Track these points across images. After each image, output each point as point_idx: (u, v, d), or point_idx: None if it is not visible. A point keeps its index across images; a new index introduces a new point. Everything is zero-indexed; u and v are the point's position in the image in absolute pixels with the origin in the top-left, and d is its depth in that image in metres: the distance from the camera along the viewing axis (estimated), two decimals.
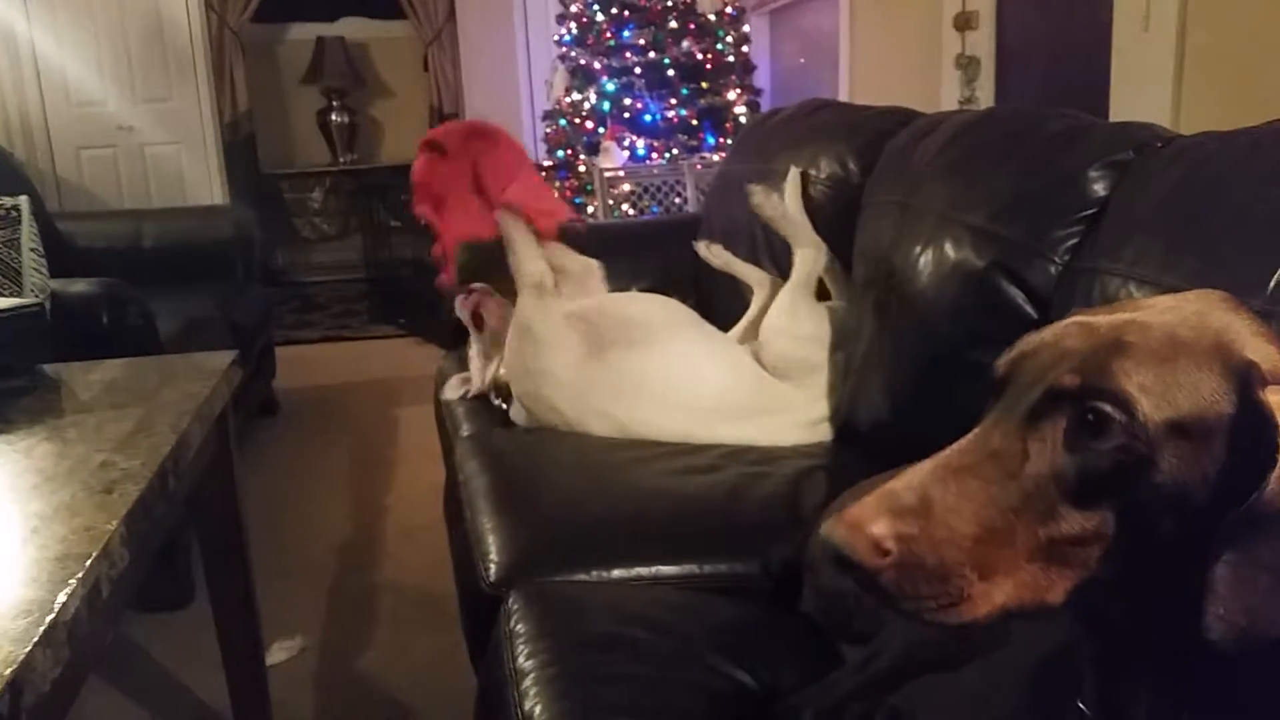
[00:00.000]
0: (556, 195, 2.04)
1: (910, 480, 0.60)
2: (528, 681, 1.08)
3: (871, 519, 0.58)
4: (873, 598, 0.60)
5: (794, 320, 1.86)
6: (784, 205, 1.99)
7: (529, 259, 1.89)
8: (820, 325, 1.86)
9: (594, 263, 2.12)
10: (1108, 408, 0.58)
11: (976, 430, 0.63)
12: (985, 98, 3.25)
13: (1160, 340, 0.59)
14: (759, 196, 2.02)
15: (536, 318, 1.86)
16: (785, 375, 1.83)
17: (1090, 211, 1.28)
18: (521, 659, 1.12)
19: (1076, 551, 0.59)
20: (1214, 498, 0.57)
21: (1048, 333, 0.65)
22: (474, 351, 2.16)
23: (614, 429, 1.79)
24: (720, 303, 2.24)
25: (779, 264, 2.05)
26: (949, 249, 1.46)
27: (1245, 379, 0.57)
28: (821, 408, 1.81)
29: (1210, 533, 0.56)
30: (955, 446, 0.62)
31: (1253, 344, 0.59)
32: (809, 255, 1.92)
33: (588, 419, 1.80)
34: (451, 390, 2.17)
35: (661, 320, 1.91)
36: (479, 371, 2.12)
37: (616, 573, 1.34)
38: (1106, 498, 0.58)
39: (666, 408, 1.79)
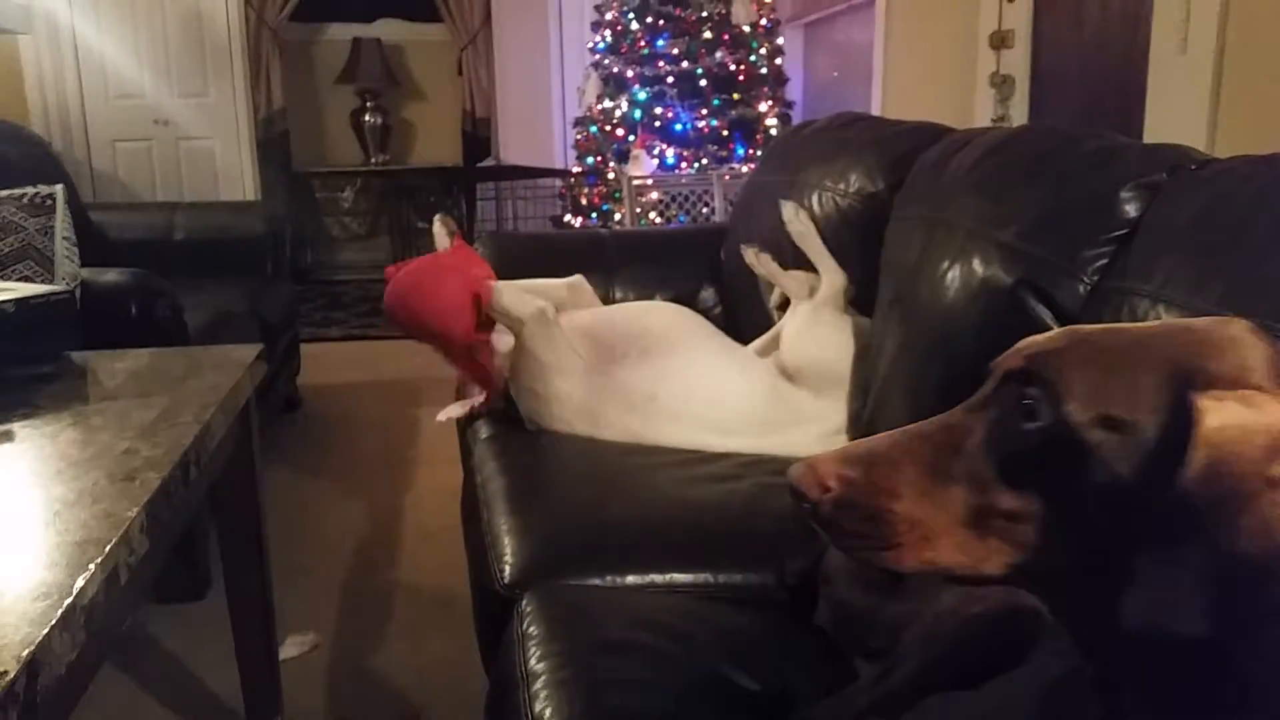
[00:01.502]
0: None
1: (874, 439, 0.68)
2: (539, 684, 1.08)
3: (824, 462, 0.67)
4: (818, 530, 0.68)
5: (817, 327, 1.86)
6: (812, 226, 1.99)
7: (520, 302, 1.89)
8: (843, 335, 1.85)
9: (576, 278, 2.14)
10: (1035, 392, 0.63)
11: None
12: (1019, 116, 3.23)
13: (1122, 344, 0.64)
14: (790, 212, 2.02)
15: (540, 345, 1.86)
16: (805, 380, 1.82)
17: (1121, 232, 1.26)
18: (533, 661, 1.12)
19: (1010, 527, 0.64)
20: (1145, 492, 0.60)
21: (1042, 335, 0.69)
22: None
23: (628, 439, 1.79)
24: (744, 312, 2.24)
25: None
26: (977, 265, 1.45)
27: (1186, 382, 0.60)
28: (839, 417, 1.80)
29: (1140, 526, 0.60)
30: (928, 420, 0.69)
31: (1245, 360, 0.61)
32: (835, 279, 1.92)
33: (602, 433, 1.81)
34: (453, 411, 2.12)
35: (676, 330, 1.91)
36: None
37: (630, 578, 1.34)
38: (1036, 478, 0.63)
39: (680, 419, 1.78)
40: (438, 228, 2.15)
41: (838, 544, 0.68)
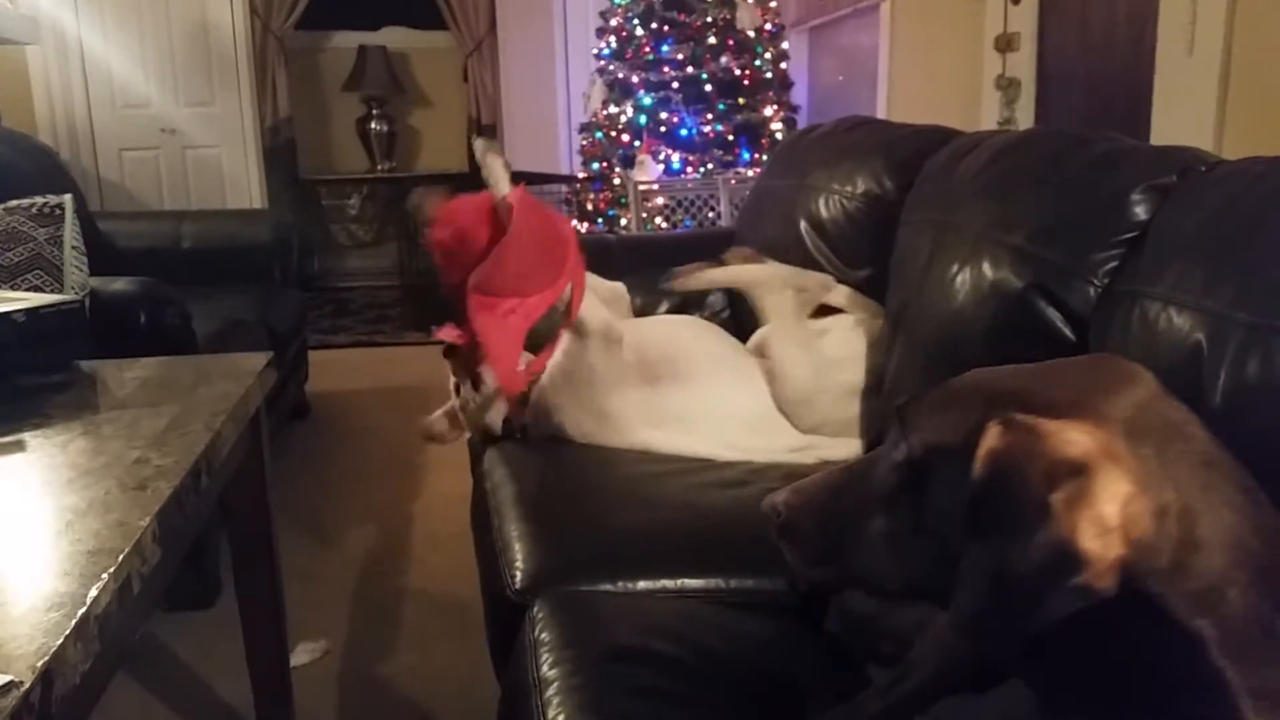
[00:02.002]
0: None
1: (820, 474, 0.82)
2: (551, 690, 1.08)
3: (780, 494, 0.82)
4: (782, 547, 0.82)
5: (795, 375, 1.85)
6: (717, 273, 2.00)
7: (592, 308, 1.83)
8: (800, 364, 1.85)
9: (620, 286, 2.12)
10: (896, 431, 0.75)
11: None
12: (1025, 119, 3.23)
13: (961, 386, 0.74)
14: (678, 283, 2.06)
15: (601, 361, 1.81)
16: (800, 416, 1.83)
17: (1131, 235, 1.26)
18: (545, 668, 1.12)
19: (897, 545, 0.74)
20: (959, 509, 0.68)
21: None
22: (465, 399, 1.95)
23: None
24: (749, 317, 2.23)
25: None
26: (987, 269, 1.44)
27: (998, 410, 0.67)
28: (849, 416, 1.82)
29: (959, 542, 0.68)
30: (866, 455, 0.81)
31: (1085, 399, 0.67)
32: (775, 301, 1.92)
33: (631, 445, 1.80)
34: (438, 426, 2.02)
35: (705, 353, 1.90)
36: (477, 411, 1.93)
37: (642, 584, 1.33)
38: (900, 502, 0.73)
39: (706, 440, 1.78)
40: (491, 158, 1.77)
41: (791, 559, 0.82)
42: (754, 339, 1.99)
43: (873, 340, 1.84)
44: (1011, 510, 0.63)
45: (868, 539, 0.76)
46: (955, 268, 1.52)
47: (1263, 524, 0.65)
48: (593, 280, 1.93)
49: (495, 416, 1.91)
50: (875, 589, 0.79)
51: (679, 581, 1.33)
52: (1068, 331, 1.30)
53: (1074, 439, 0.63)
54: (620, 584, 1.33)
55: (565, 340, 1.85)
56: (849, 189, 2.03)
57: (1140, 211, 1.27)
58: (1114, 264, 1.26)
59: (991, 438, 0.65)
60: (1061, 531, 0.61)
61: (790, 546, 0.81)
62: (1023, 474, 0.63)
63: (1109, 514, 0.61)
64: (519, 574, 1.35)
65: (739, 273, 2.10)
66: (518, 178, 1.82)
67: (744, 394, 1.85)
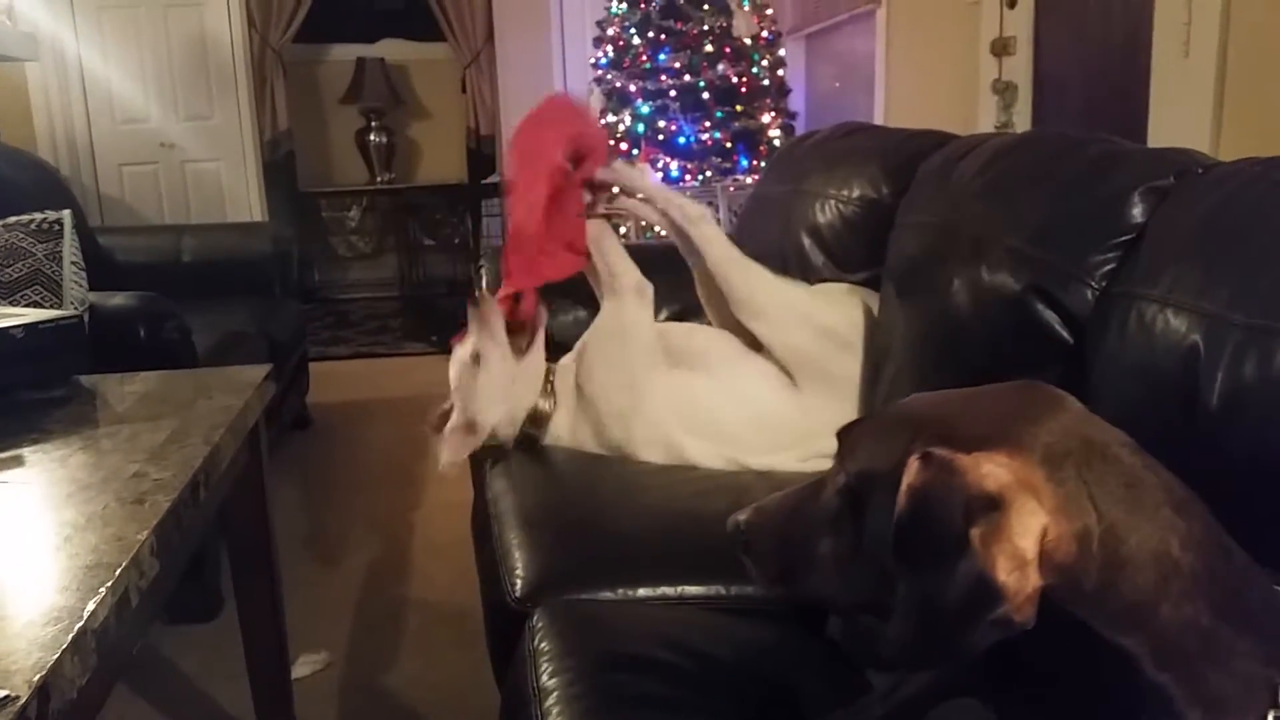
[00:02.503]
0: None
1: (781, 494, 0.84)
2: (551, 700, 1.07)
3: (743, 513, 0.84)
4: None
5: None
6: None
7: (626, 264, 1.79)
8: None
9: (648, 284, 2.09)
10: (837, 459, 0.78)
11: None
12: (1022, 123, 3.23)
13: (892, 414, 0.77)
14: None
15: (637, 321, 1.77)
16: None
17: (1128, 237, 1.26)
18: (545, 677, 1.11)
19: (842, 566, 0.76)
20: (886, 536, 0.69)
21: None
22: (476, 390, 1.81)
23: (660, 445, 1.76)
24: None
25: (809, 280, 2.04)
26: (985, 270, 1.44)
27: (922, 442, 0.69)
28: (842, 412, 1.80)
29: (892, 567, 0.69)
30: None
31: (1010, 431, 0.68)
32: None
33: (635, 430, 1.76)
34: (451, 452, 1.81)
35: (720, 355, 1.88)
36: (489, 408, 1.80)
37: (642, 591, 1.33)
38: (845, 524, 0.75)
39: (709, 435, 1.77)
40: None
41: (754, 576, 0.85)
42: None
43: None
44: (933, 544, 0.64)
45: (818, 559, 0.78)
46: (952, 269, 1.52)
47: (1195, 537, 0.66)
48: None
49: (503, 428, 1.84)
50: (830, 607, 0.82)
51: (679, 589, 1.33)
52: (1065, 333, 1.29)
53: (989, 472, 0.65)
54: (620, 591, 1.33)
55: (603, 301, 1.84)
56: (846, 194, 2.03)
57: (1137, 213, 1.27)
58: (1111, 266, 1.26)
59: (910, 473, 0.66)
60: (979, 566, 0.62)
61: (752, 564, 0.84)
62: (941, 509, 0.64)
63: (1025, 547, 0.63)
64: (519, 582, 1.35)
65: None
66: None
67: (767, 391, 1.82)
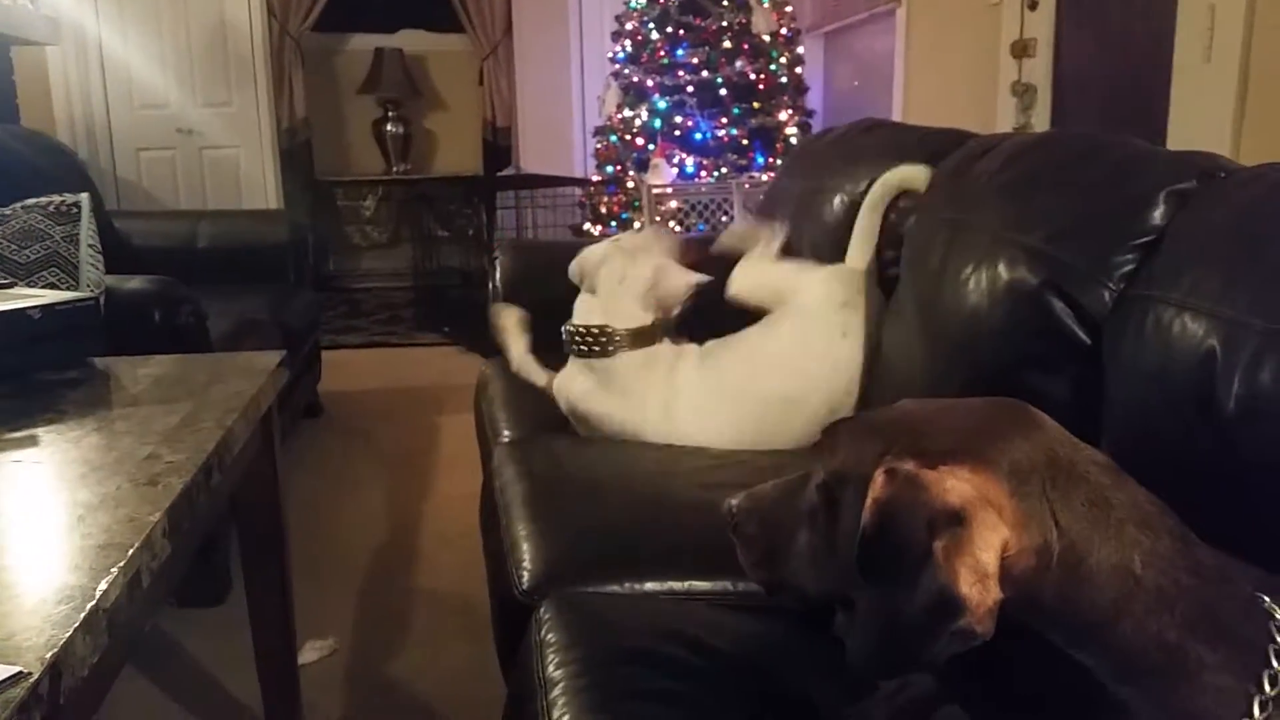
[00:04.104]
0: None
1: (771, 483, 0.87)
2: (557, 691, 1.07)
3: (736, 498, 0.88)
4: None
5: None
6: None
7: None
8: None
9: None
10: (817, 456, 0.80)
11: None
12: (1040, 125, 3.22)
13: (873, 418, 0.79)
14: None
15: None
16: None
17: (1149, 239, 1.25)
18: (551, 669, 1.12)
19: (817, 558, 0.78)
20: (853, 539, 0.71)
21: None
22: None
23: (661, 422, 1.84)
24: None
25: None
26: (1002, 268, 1.44)
27: (893, 452, 0.70)
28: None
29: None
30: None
31: (978, 447, 0.69)
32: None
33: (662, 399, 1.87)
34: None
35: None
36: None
37: (649, 585, 1.33)
38: (820, 518, 0.77)
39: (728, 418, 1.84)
40: None
41: (741, 558, 0.88)
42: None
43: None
44: (898, 556, 0.66)
45: (796, 549, 0.81)
46: (971, 266, 1.51)
47: (1160, 553, 0.67)
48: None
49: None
50: (801, 596, 0.83)
51: (686, 583, 1.33)
52: (1082, 334, 1.29)
53: (952, 486, 0.66)
54: (627, 585, 1.33)
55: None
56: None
57: (1158, 216, 1.26)
58: (1130, 267, 1.26)
59: (876, 488, 0.68)
60: (942, 578, 0.64)
61: (740, 547, 0.88)
62: (906, 522, 0.66)
63: (986, 560, 0.64)
64: (526, 574, 1.35)
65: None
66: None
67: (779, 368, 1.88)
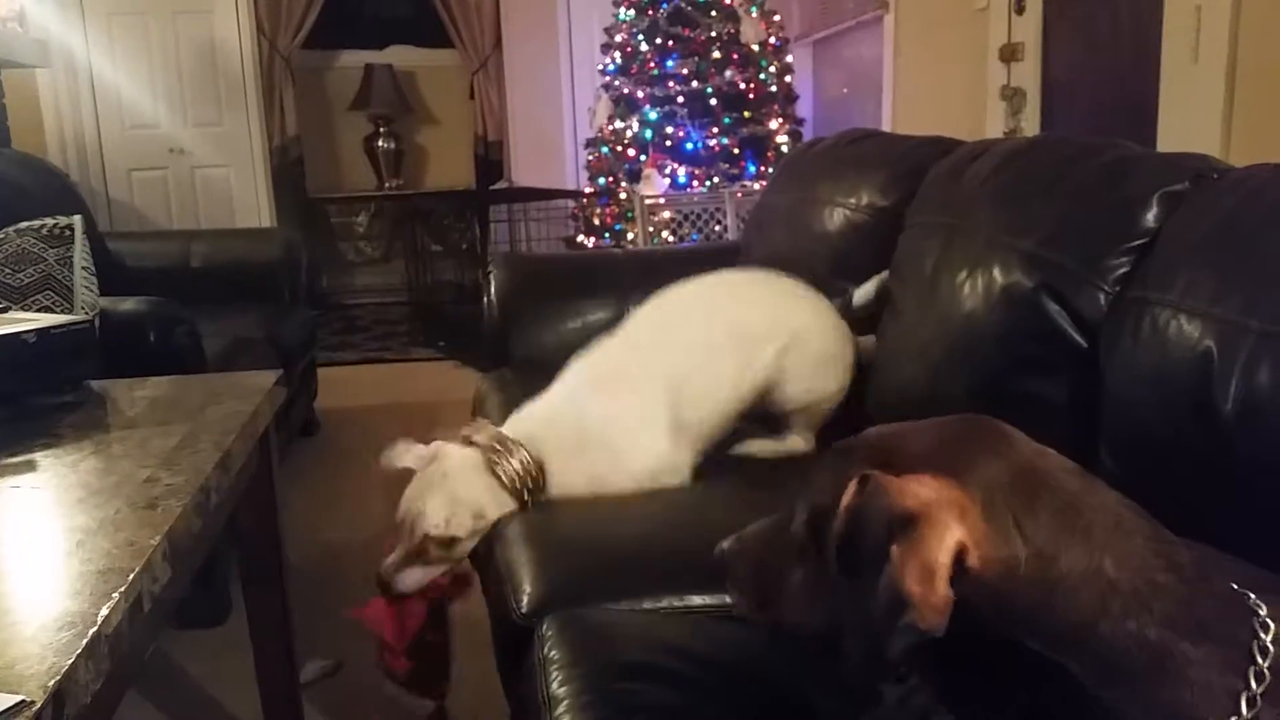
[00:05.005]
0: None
1: (761, 522, 0.87)
2: (561, 708, 1.07)
3: (727, 539, 0.87)
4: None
5: None
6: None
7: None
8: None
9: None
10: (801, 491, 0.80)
11: None
12: (1030, 129, 3.23)
13: (844, 447, 0.79)
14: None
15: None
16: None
17: (1142, 241, 1.26)
18: (555, 685, 1.11)
19: (812, 597, 0.78)
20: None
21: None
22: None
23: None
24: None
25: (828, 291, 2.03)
26: (997, 273, 1.44)
27: (859, 470, 0.72)
28: None
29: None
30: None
31: (947, 458, 0.71)
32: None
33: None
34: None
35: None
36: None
37: (648, 602, 1.32)
38: (811, 554, 0.77)
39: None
40: None
41: (737, 605, 0.87)
42: None
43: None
44: (866, 558, 0.68)
45: (789, 588, 0.81)
46: (965, 272, 1.51)
47: (1133, 554, 0.68)
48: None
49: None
50: (804, 634, 0.82)
51: (685, 599, 1.32)
52: (1078, 336, 1.29)
53: (912, 491, 0.68)
54: (625, 603, 1.32)
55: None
56: (853, 201, 2.03)
57: (1151, 218, 1.27)
58: (1124, 270, 1.26)
59: (848, 495, 0.71)
60: (893, 575, 0.66)
61: (735, 594, 0.86)
62: (872, 527, 0.68)
63: (934, 560, 0.66)
64: (525, 599, 1.34)
65: None
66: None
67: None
